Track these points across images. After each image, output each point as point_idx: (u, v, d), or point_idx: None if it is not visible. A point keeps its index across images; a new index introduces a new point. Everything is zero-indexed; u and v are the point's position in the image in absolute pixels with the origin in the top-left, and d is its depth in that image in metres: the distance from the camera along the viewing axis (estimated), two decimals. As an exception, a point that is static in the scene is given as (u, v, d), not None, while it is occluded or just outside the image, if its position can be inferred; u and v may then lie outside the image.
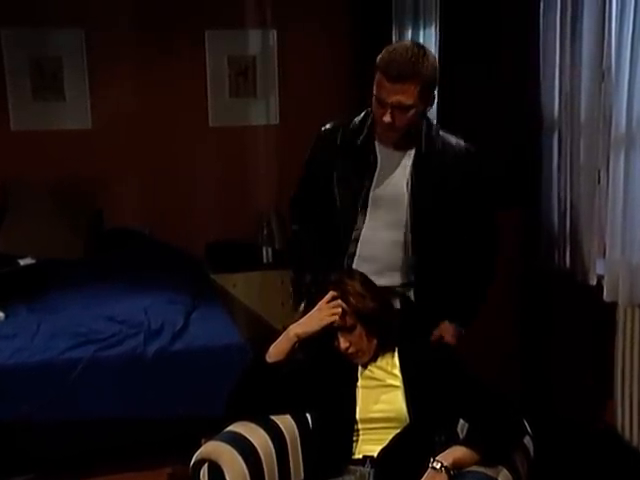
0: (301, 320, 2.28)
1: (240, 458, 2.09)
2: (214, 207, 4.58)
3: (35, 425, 3.02)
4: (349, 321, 2.21)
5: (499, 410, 2.13)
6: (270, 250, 4.54)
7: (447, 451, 2.04)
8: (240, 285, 4.26)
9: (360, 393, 2.23)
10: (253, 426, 2.18)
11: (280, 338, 2.26)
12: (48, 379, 3.01)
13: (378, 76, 2.22)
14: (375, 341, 2.25)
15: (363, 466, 2.12)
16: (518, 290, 3.31)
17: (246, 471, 2.08)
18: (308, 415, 2.29)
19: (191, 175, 4.55)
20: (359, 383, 2.25)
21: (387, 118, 2.23)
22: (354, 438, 2.19)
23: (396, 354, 2.28)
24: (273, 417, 2.25)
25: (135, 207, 4.45)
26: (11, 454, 3.08)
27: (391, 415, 2.19)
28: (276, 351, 2.25)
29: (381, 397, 2.22)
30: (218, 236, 4.50)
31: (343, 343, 2.22)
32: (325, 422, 2.23)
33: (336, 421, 2.21)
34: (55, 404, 3.00)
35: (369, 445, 2.17)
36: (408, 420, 2.17)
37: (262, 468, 2.11)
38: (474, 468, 2.00)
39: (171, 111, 4.46)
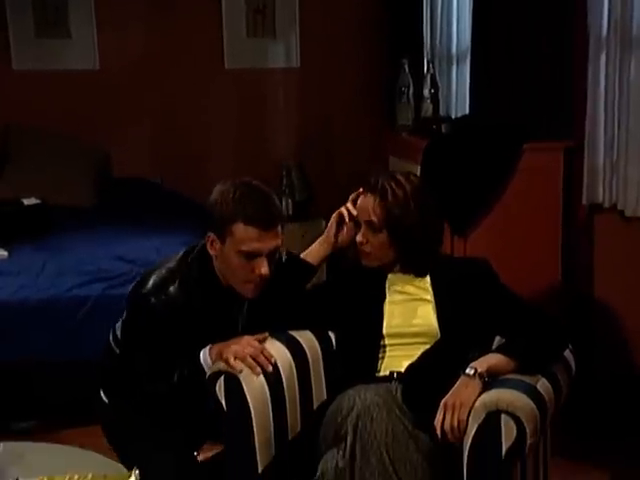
0: None
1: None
2: (230, 155, 4.60)
3: (38, 365, 3.06)
4: (377, 223, 2.19)
5: (540, 320, 2.12)
6: (290, 202, 4.55)
7: (482, 358, 2.01)
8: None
9: (387, 308, 2.21)
10: (271, 339, 2.18)
11: None
12: (54, 316, 3.06)
13: (244, 231, 2.05)
14: (394, 254, 2.23)
15: (390, 382, 2.11)
16: (560, 225, 3.28)
17: (265, 383, 2.08)
18: (331, 333, 2.29)
19: (205, 121, 4.57)
20: (387, 299, 2.23)
21: (265, 269, 2.08)
22: (380, 355, 2.17)
23: (427, 269, 2.27)
24: (293, 333, 2.24)
25: (146, 154, 4.49)
26: (12, 398, 3.12)
27: (421, 330, 2.17)
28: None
29: (410, 311, 2.20)
30: (234, 186, 4.51)
31: (361, 237, 2.22)
32: (350, 338, 2.22)
33: (361, 337, 2.20)
34: (60, 343, 3.05)
35: (396, 361, 2.15)
36: (439, 335, 2.15)
37: (281, 381, 2.11)
38: (511, 376, 1.98)
39: (184, 51, 4.48)
